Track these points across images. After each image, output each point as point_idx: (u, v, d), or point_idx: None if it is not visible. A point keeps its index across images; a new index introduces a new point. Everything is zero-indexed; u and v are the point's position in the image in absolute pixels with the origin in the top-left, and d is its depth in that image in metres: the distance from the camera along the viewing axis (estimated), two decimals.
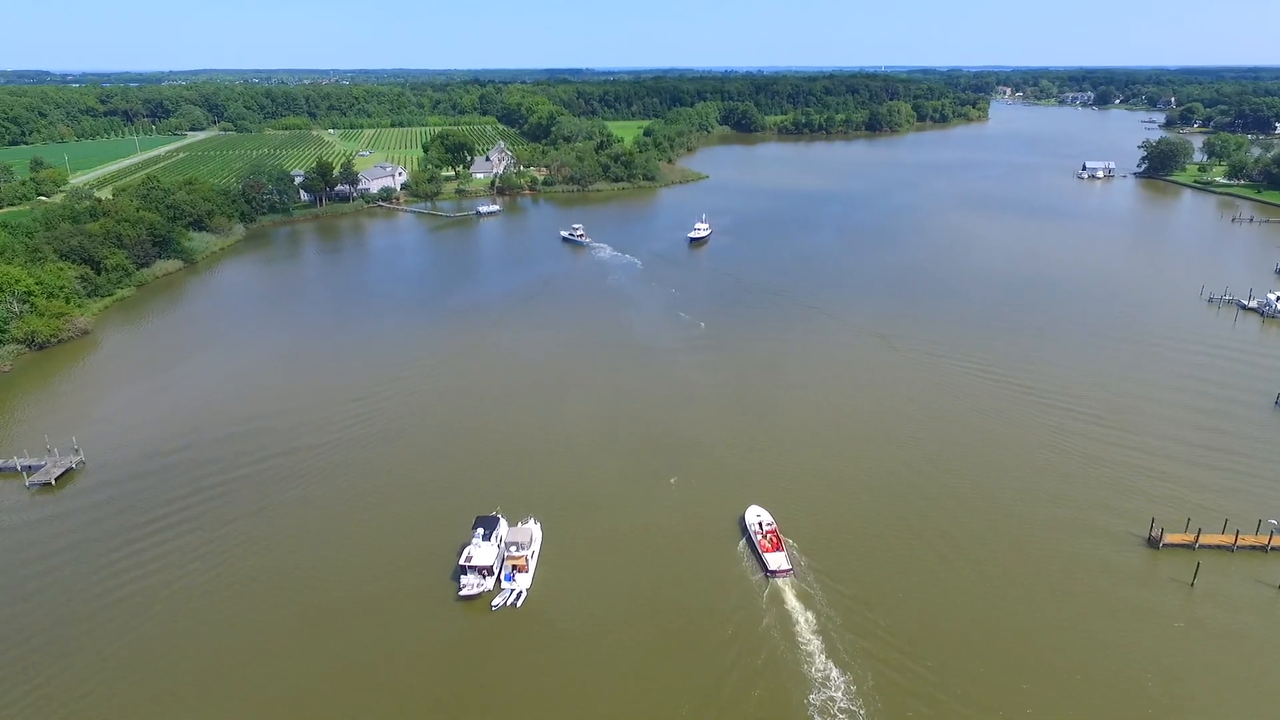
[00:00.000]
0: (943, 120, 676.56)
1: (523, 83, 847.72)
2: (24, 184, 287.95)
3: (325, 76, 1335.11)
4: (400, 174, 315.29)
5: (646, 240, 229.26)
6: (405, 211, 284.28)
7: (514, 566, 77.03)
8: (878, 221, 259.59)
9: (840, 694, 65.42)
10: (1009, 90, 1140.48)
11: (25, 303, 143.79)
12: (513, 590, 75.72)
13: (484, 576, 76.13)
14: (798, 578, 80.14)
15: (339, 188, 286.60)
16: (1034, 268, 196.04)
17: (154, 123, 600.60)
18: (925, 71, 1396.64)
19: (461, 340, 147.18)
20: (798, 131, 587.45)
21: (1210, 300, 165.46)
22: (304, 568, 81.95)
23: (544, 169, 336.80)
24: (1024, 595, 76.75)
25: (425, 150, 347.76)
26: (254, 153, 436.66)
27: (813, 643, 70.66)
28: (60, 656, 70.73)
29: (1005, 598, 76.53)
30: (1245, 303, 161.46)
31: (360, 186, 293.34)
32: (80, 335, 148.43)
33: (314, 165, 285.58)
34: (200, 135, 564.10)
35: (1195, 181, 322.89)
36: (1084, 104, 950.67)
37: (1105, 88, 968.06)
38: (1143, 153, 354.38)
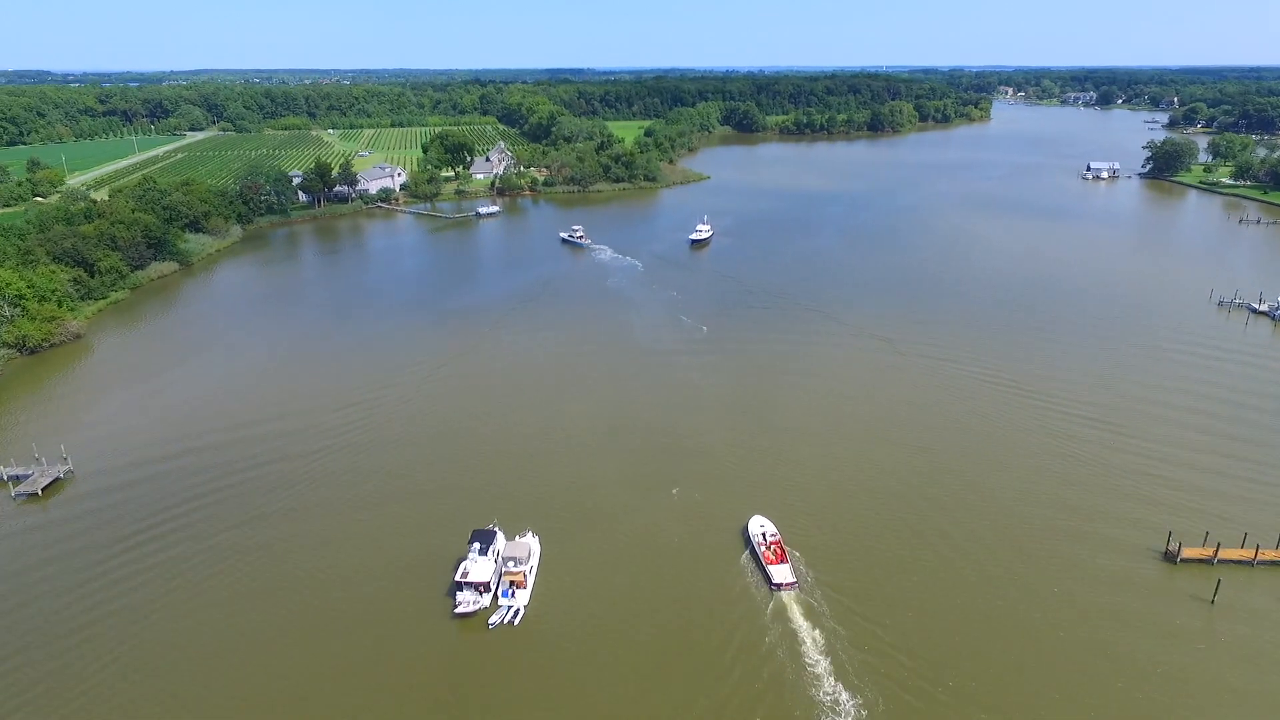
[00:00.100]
0: (945, 120, 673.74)
1: (523, 83, 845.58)
2: (20, 185, 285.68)
3: (326, 76, 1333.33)
4: (399, 175, 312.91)
5: (647, 242, 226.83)
6: (404, 212, 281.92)
7: (511, 582, 74.61)
8: (880, 223, 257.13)
9: None
10: (1011, 90, 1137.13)
11: (16, 306, 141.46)
12: (510, 607, 73.33)
13: (480, 593, 73.71)
14: (803, 591, 77.87)
15: (337, 188, 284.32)
16: (1039, 269, 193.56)
17: (153, 123, 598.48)
18: (927, 71, 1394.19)
19: (459, 343, 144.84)
20: (799, 132, 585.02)
21: (1220, 303, 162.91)
22: (295, 582, 79.60)
23: (544, 170, 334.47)
24: (1043, 614, 74.19)
25: (425, 151, 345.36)
26: (253, 153, 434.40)
27: (820, 663, 68.21)
28: (44, 677, 68.45)
29: (1022, 615, 74.07)
30: (1256, 306, 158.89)
31: (359, 187, 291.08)
32: (72, 339, 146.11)
33: (312, 166, 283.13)
34: (199, 135, 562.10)
35: (1201, 182, 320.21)
36: (1086, 104, 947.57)
37: (1107, 88, 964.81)
38: (1147, 153, 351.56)
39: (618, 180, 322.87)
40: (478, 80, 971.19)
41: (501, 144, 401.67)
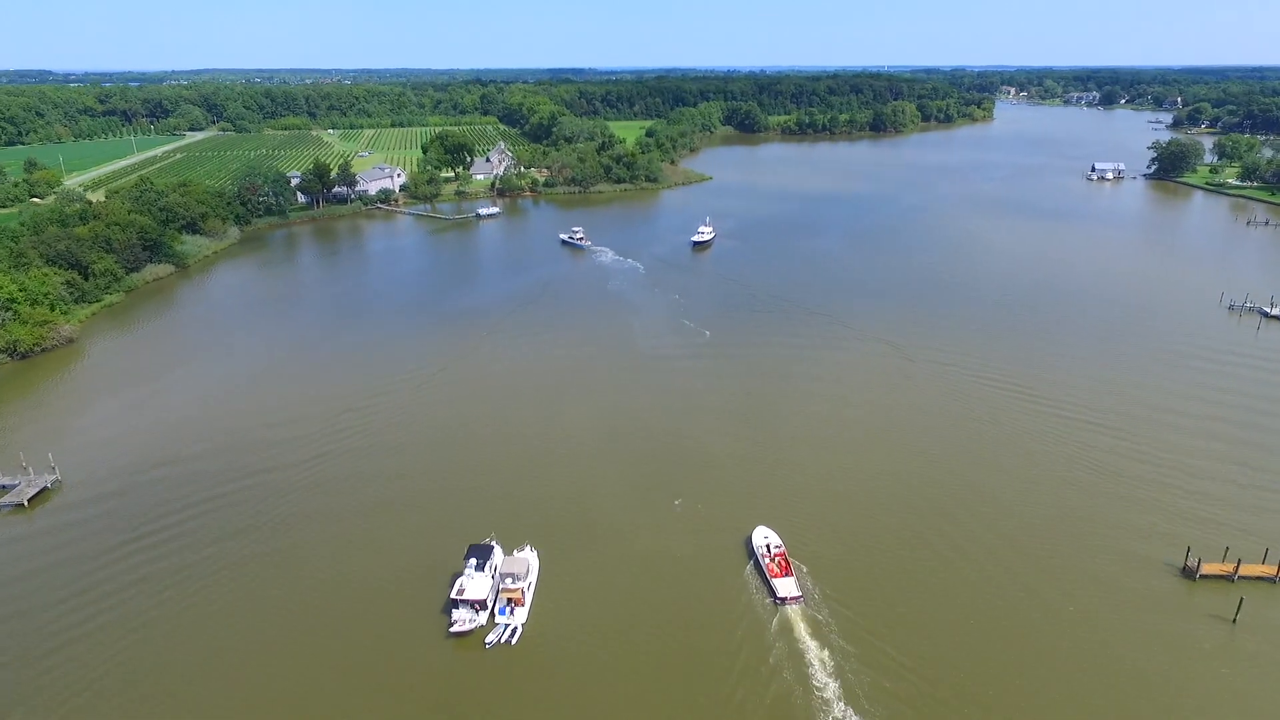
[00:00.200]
0: (947, 120, 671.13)
1: (525, 82, 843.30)
2: (17, 186, 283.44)
3: (328, 76, 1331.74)
4: (399, 175, 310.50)
5: (649, 243, 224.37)
6: (404, 214, 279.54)
7: (509, 600, 72.13)
8: (885, 224, 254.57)
9: None
10: (1013, 90, 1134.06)
11: (8, 310, 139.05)
12: (507, 626, 70.90)
13: (477, 611, 71.25)
14: (809, 605, 75.49)
15: (336, 189, 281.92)
16: (1046, 272, 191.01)
17: (153, 123, 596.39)
18: (929, 71, 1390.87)
19: (457, 348, 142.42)
20: (801, 132, 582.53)
21: (1231, 307, 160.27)
22: (285, 598, 77.20)
23: (545, 170, 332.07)
24: (1062, 634, 71.63)
25: (424, 151, 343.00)
26: (252, 153, 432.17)
27: (829, 686, 65.63)
28: (30, 694, 66.11)
29: (1040, 635, 71.54)
30: (1268, 310, 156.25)
31: (358, 188, 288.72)
32: (65, 343, 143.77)
33: (311, 167, 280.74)
34: (199, 135, 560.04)
35: (1207, 183, 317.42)
36: (1089, 104, 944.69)
37: (1110, 88, 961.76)
38: (1152, 154, 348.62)
39: (619, 181, 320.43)
40: (479, 80, 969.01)
41: (502, 144, 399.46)
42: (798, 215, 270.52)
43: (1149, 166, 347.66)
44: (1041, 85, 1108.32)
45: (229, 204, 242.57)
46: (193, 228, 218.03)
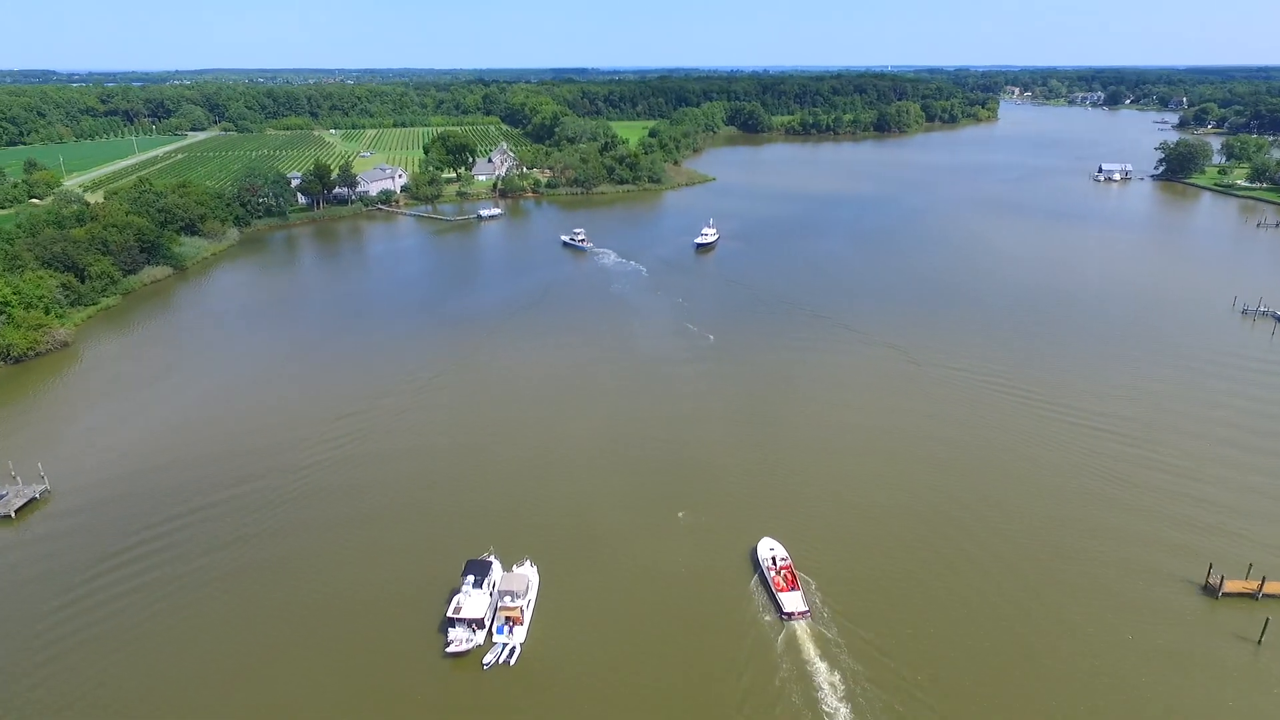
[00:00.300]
0: (952, 121, 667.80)
1: (527, 82, 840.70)
2: (16, 186, 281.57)
3: (330, 76, 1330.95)
4: (400, 176, 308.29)
5: (652, 245, 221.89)
6: (405, 215, 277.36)
7: (507, 618, 69.70)
8: (890, 226, 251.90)
9: None
10: (1017, 90, 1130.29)
11: (1, 314, 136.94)
12: (505, 645, 68.47)
13: (474, 631, 68.81)
14: (816, 621, 73.12)
15: (337, 190, 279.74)
16: (1054, 275, 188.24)
17: (155, 123, 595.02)
18: (932, 71, 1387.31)
19: (456, 353, 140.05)
20: (805, 132, 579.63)
21: (1244, 312, 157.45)
22: (275, 613, 74.88)
23: (547, 171, 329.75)
24: (1081, 652, 69.09)
25: (426, 152, 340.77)
26: (253, 153, 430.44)
27: (840, 712, 63.08)
28: (14, 710, 64.03)
29: (1059, 653, 69.04)
30: None
31: (359, 189, 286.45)
32: (59, 347, 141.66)
33: (311, 167, 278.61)
34: (201, 135, 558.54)
35: (1215, 184, 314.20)
36: (1094, 104, 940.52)
37: (1115, 88, 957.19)
38: (1160, 154, 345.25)
39: (621, 182, 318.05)
40: (481, 80, 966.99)
41: (504, 145, 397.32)
42: (802, 216, 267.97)
43: (1156, 167, 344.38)
44: (1046, 85, 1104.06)
45: (228, 205, 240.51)
46: (192, 229, 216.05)
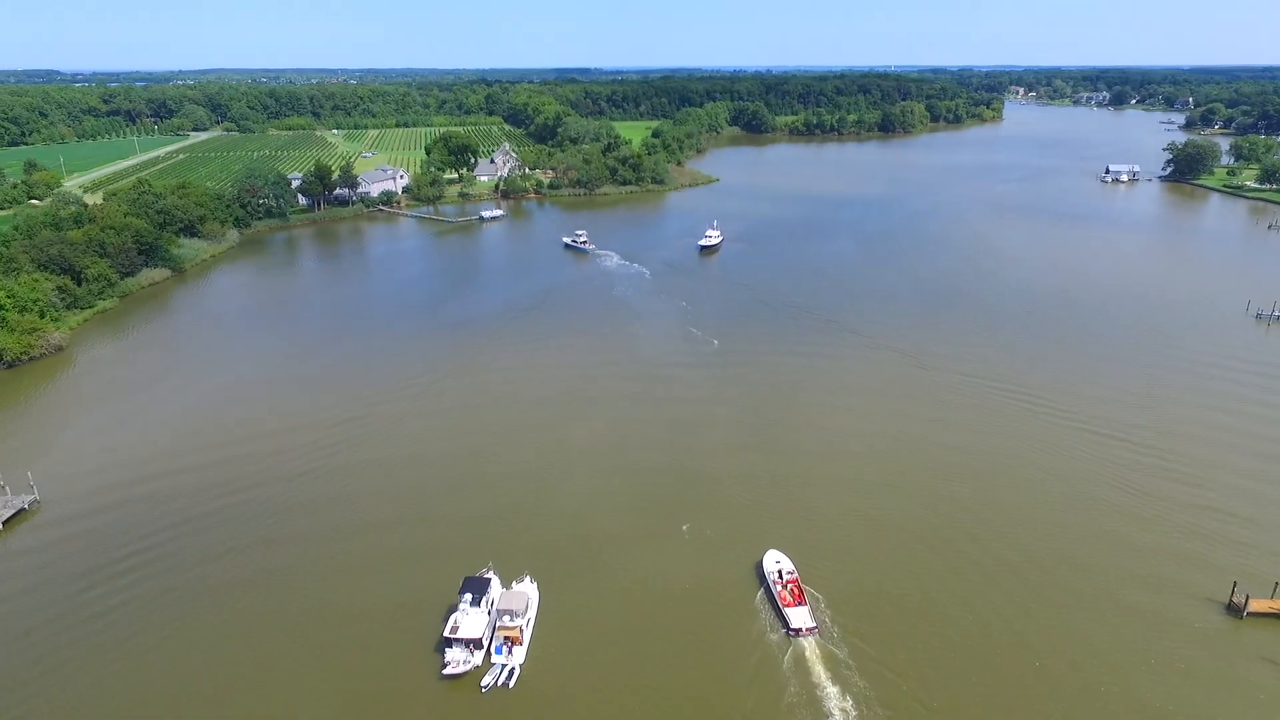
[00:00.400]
0: (957, 121, 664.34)
1: (530, 82, 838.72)
2: (15, 187, 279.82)
3: (334, 76, 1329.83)
4: (402, 177, 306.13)
5: (655, 247, 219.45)
6: (406, 216, 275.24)
7: (506, 638, 67.28)
8: (896, 228, 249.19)
9: None
10: (1022, 90, 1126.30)
11: None
12: (504, 667, 66.07)
13: (472, 651, 66.41)
14: (824, 638, 70.78)
15: (338, 191, 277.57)
16: (1063, 278, 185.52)
17: (157, 123, 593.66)
18: (936, 71, 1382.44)
19: (455, 357, 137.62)
20: (809, 132, 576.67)
21: (1259, 316, 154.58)
22: (268, 631, 72.57)
23: (550, 172, 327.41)
24: (1102, 670, 66.67)
25: (428, 152, 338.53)
26: (255, 154, 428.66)
27: None
28: None
29: (1078, 670, 66.71)
30: None
31: (360, 190, 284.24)
32: (54, 352, 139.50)
33: (312, 168, 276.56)
34: (203, 136, 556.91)
35: (1224, 186, 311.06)
36: (1099, 104, 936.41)
37: (1120, 88, 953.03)
38: (1167, 155, 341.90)
39: (624, 183, 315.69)
40: (484, 80, 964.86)
41: (506, 145, 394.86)
42: (806, 218, 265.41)
43: (1164, 168, 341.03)
44: (1050, 85, 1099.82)
45: (228, 206, 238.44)
46: (191, 231, 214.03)
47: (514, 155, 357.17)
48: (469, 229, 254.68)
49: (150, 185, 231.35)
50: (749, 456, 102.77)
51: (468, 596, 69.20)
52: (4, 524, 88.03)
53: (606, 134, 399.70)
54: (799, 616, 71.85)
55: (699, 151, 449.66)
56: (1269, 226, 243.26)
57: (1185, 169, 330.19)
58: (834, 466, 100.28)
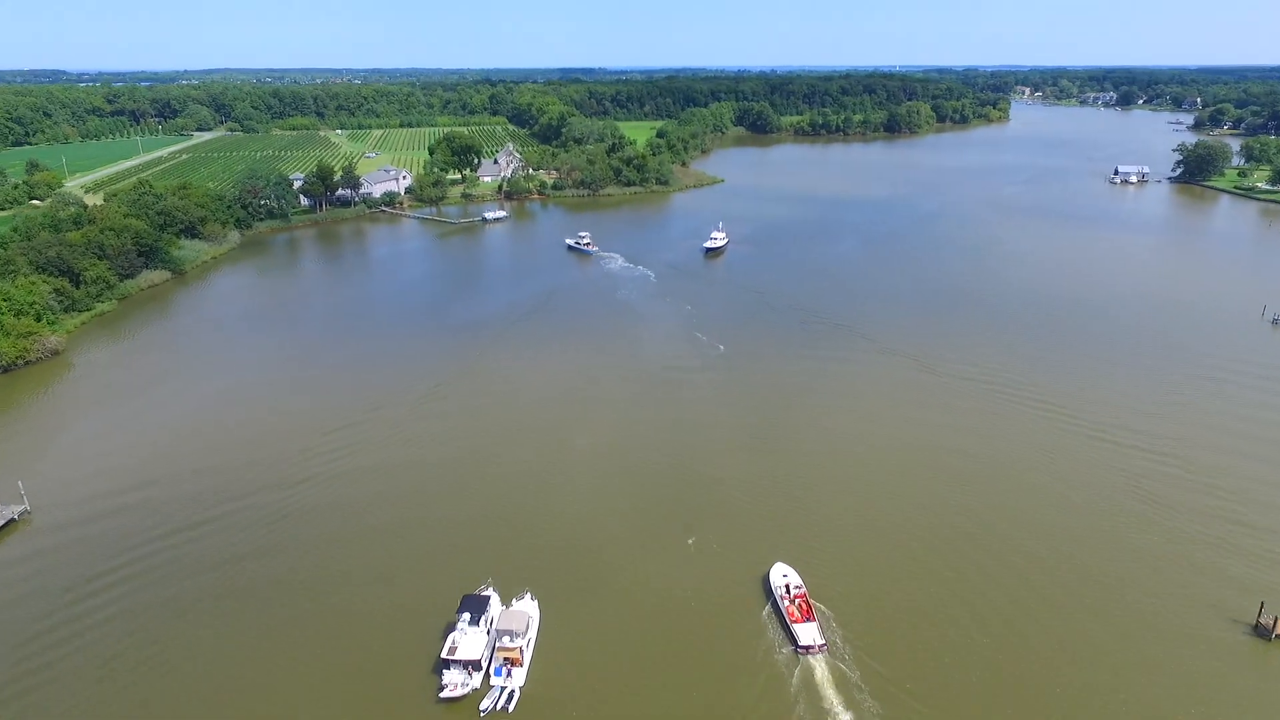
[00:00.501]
0: (963, 121, 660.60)
1: (534, 82, 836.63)
2: (16, 188, 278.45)
3: (338, 76, 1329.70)
4: (405, 177, 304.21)
5: (659, 249, 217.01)
6: (409, 217, 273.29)
7: (506, 659, 64.95)
8: (903, 230, 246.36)
9: None
10: (1028, 90, 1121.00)
11: None
12: (504, 689, 63.75)
13: (470, 673, 64.08)
14: (833, 655, 68.37)
15: (340, 192, 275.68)
16: (1073, 281, 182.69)
17: (161, 123, 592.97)
18: (941, 71, 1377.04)
19: (456, 362, 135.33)
20: (814, 133, 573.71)
21: (1275, 321, 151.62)
22: (259, 647, 70.32)
23: (553, 172, 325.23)
24: (1125, 692, 64.13)
25: (431, 153, 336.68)
26: (258, 154, 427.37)
27: None
28: None
29: (1100, 693, 64.07)
30: None
31: (362, 191, 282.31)
32: (50, 356, 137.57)
33: (314, 169, 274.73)
34: (207, 136, 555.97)
35: (1235, 187, 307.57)
36: (1106, 104, 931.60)
37: (1127, 88, 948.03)
38: (1177, 156, 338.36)
39: (629, 184, 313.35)
40: (488, 80, 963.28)
41: (510, 145, 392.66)
42: (813, 219, 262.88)
43: (1174, 169, 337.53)
44: (1056, 85, 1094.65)
45: (229, 207, 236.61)
46: (192, 232, 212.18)
47: (517, 156, 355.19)
48: (472, 230, 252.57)
49: (151, 186, 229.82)
50: (755, 465, 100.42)
51: (466, 615, 66.85)
52: None
53: (611, 134, 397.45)
54: (807, 633, 69.57)
55: (704, 152, 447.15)
56: None
57: (1195, 170, 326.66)
58: (842, 475, 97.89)
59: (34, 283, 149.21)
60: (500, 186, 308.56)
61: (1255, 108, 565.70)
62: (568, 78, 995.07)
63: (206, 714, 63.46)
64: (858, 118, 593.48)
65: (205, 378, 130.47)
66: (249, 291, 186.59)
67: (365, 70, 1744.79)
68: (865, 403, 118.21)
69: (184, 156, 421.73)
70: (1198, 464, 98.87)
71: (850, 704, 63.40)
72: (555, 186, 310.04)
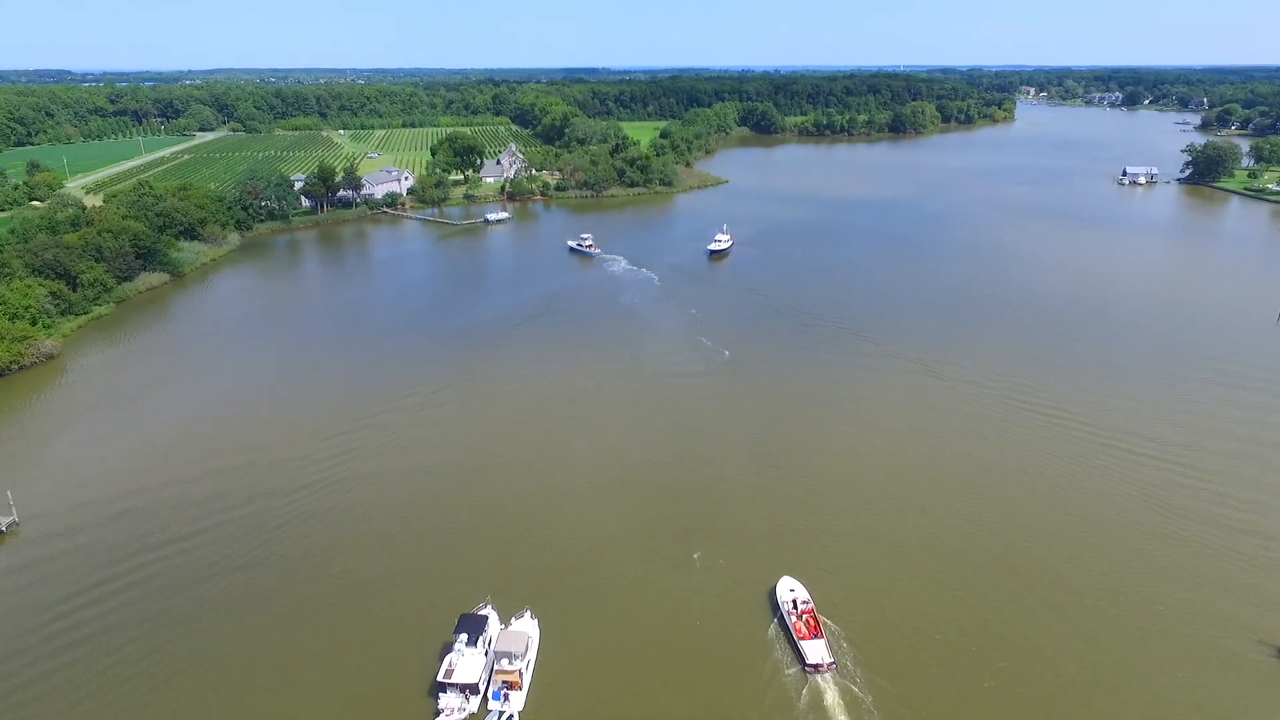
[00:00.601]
0: (968, 121, 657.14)
1: (538, 82, 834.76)
2: (16, 189, 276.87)
3: (342, 76, 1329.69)
4: (407, 178, 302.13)
5: (663, 251, 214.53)
6: (410, 218, 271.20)
7: (504, 682, 62.61)
8: (910, 232, 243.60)
9: None
10: (1033, 90, 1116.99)
11: None
12: (502, 714, 61.36)
13: (467, 697, 61.76)
14: (842, 675, 66.07)
15: (341, 193, 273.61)
16: (1084, 284, 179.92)
17: (163, 123, 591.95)
18: (945, 71, 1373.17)
19: (455, 368, 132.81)
20: (818, 133, 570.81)
21: None
22: (249, 665, 68.13)
23: (556, 173, 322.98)
24: (1151, 711, 61.79)
25: (433, 153, 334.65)
26: (260, 154, 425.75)
27: None
28: None
29: (1130, 712, 61.73)
30: None
31: (364, 192, 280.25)
32: (45, 360, 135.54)
33: (315, 170, 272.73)
34: (209, 136, 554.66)
35: (1245, 189, 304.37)
36: (1112, 104, 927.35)
37: (1133, 88, 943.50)
38: (1186, 157, 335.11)
39: (632, 185, 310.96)
40: (491, 80, 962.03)
41: (512, 146, 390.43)
42: (818, 221, 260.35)
43: (1183, 170, 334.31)
44: (1061, 85, 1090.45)
45: (229, 209, 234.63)
46: (191, 233, 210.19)
47: (520, 156, 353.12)
48: (473, 232, 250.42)
49: (151, 187, 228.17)
50: (760, 474, 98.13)
51: (463, 636, 64.51)
52: None
53: (614, 134, 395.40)
54: (815, 651, 67.32)
55: (708, 152, 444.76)
56: None
57: (1204, 171, 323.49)
58: (850, 484, 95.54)
59: (30, 286, 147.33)
60: (503, 187, 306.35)
61: (1263, 108, 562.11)
62: (571, 78, 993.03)
63: None
64: (862, 118, 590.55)
65: (202, 383, 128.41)
66: (248, 294, 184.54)
67: (368, 70, 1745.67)
68: (872, 409, 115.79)
69: (186, 157, 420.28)
70: (1211, 472, 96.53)
71: None
72: (558, 188, 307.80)
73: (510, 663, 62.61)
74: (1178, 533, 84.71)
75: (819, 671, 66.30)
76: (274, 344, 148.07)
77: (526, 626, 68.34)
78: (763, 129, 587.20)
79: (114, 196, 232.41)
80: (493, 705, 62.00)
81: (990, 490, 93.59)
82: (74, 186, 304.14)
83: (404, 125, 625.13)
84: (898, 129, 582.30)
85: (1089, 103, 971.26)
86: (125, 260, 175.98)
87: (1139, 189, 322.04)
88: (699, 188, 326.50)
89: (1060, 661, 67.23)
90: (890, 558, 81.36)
